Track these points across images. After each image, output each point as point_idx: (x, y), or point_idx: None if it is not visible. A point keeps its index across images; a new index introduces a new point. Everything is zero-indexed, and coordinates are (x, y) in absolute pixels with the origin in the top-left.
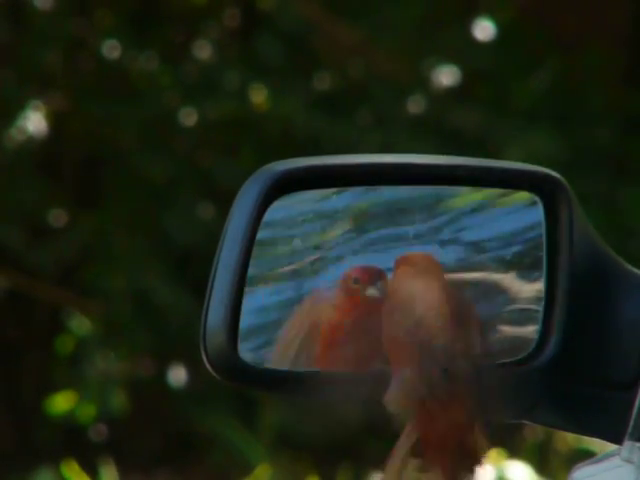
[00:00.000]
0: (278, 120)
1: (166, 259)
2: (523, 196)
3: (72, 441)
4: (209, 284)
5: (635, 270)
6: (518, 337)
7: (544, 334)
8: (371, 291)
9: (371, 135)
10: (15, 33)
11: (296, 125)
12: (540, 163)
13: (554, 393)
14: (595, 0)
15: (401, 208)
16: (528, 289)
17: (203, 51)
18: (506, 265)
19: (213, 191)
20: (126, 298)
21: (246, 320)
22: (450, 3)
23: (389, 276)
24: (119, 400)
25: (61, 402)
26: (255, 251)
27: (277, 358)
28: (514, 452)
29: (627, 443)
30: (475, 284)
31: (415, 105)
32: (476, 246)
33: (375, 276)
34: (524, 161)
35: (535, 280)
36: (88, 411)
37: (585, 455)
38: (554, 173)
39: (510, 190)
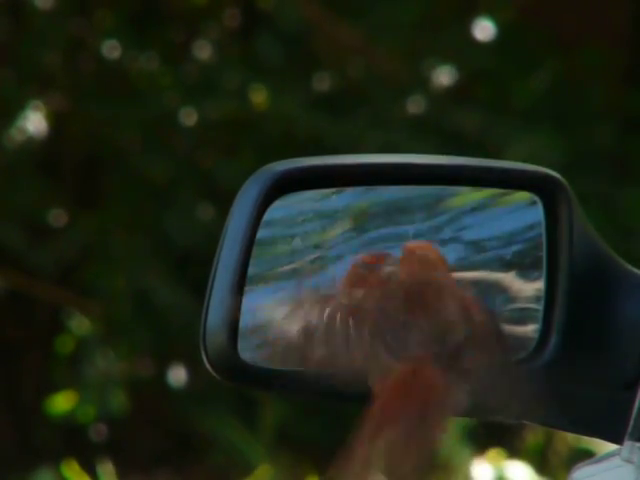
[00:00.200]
0: (278, 120)
1: (166, 259)
2: (523, 196)
3: (72, 441)
4: (209, 284)
5: (635, 270)
6: (518, 337)
7: (544, 334)
8: (388, 269)
9: (371, 135)
10: (15, 33)
11: (296, 125)
12: (540, 163)
13: (554, 393)
14: (595, 0)
15: (401, 208)
16: (528, 289)
17: (203, 51)
18: (506, 265)
19: (213, 191)
20: (126, 298)
21: (246, 320)
22: (450, 3)
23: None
24: (119, 400)
25: (61, 402)
26: (255, 251)
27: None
28: (514, 452)
29: (627, 443)
30: (475, 283)
31: (415, 105)
32: (476, 246)
33: (386, 257)
34: (524, 161)
35: (535, 280)
36: (88, 411)
37: (585, 455)
38: (554, 173)
39: (510, 190)
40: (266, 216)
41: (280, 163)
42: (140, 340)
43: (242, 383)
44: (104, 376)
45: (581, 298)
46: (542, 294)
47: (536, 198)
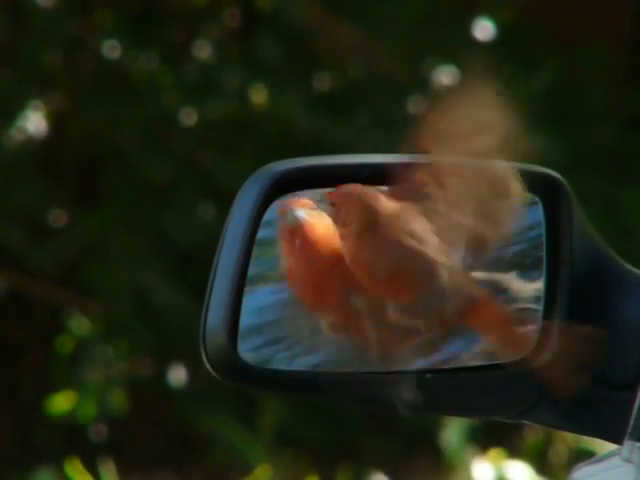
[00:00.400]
0: (278, 120)
1: (166, 259)
2: (523, 196)
3: (72, 441)
4: (209, 284)
5: (635, 270)
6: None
7: (544, 334)
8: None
9: (371, 135)
10: (15, 33)
11: (296, 125)
12: (540, 163)
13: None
14: (595, 0)
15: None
16: (528, 289)
17: (203, 51)
18: (506, 265)
19: (213, 191)
20: (126, 298)
21: (246, 320)
22: (450, 3)
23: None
24: (119, 400)
25: (61, 402)
26: (255, 251)
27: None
28: (514, 452)
29: (627, 443)
30: (475, 283)
31: (415, 105)
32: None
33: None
34: (524, 161)
35: (535, 280)
36: (88, 411)
37: (585, 455)
38: (554, 173)
39: None
40: (266, 216)
41: (280, 163)
42: (140, 340)
43: (242, 383)
44: (104, 376)
45: (581, 298)
46: (542, 294)
47: (536, 198)
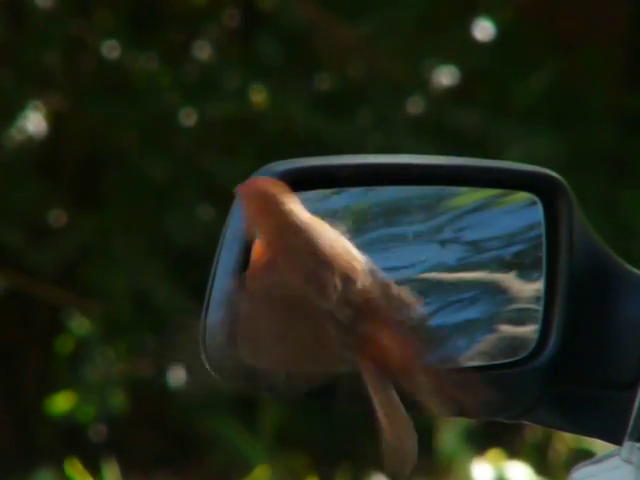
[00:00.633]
0: (278, 120)
1: (166, 259)
2: (523, 196)
3: (72, 441)
4: (209, 284)
5: (635, 270)
6: (518, 337)
7: (544, 334)
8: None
9: (371, 135)
10: (15, 33)
11: (296, 125)
12: (540, 163)
13: (554, 393)
14: (595, 0)
15: (401, 208)
16: (528, 289)
17: (203, 51)
18: (506, 265)
19: (213, 191)
20: (126, 298)
21: None
22: (450, 3)
23: None
24: (119, 400)
25: (61, 402)
26: None
27: None
28: (514, 452)
29: (627, 443)
30: (475, 284)
31: (415, 105)
32: (476, 246)
33: None
34: (524, 161)
35: (535, 280)
36: (88, 411)
37: (585, 455)
38: (553, 173)
39: (510, 190)
40: None
41: (280, 163)
42: (140, 340)
43: (242, 383)
44: (104, 376)
45: (581, 298)
46: (542, 294)
47: (536, 198)
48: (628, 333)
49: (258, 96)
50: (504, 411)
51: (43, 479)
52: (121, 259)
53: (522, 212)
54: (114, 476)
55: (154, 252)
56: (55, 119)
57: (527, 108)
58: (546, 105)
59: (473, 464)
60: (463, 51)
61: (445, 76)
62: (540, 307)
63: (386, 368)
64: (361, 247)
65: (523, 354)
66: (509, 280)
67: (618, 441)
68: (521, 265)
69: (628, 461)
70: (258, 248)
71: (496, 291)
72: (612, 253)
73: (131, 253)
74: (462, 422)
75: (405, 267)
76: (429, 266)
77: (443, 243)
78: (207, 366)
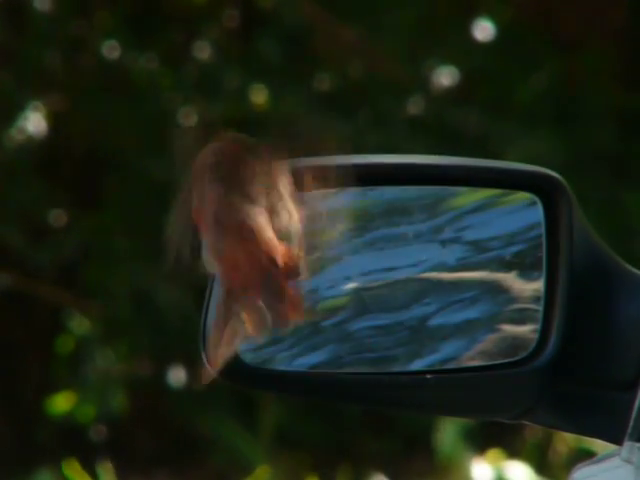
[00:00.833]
0: (278, 120)
1: (166, 259)
2: (523, 196)
3: (72, 441)
4: (209, 284)
5: (635, 270)
6: (518, 337)
7: (544, 334)
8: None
9: (371, 135)
10: (15, 33)
11: (296, 125)
12: (540, 163)
13: (554, 393)
14: (595, 0)
15: (401, 208)
16: (528, 289)
17: (203, 51)
18: (506, 265)
19: None
20: (126, 298)
21: None
22: (450, 3)
23: None
24: (119, 400)
25: (61, 402)
26: None
27: None
28: (514, 452)
29: (627, 443)
30: (475, 284)
31: (415, 105)
32: (476, 246)
33: None
34: (524, 161)
35: (535, 280)
36: (88, 411)
37: (585, 455)
38: (554, 173)
39: (510, 190)
40: None
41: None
42: (140, 340)
43: (242, 383)
44: (104, 376)
45: (581, 298)
46: (542, 294)
47: (536, 198)
48: (628, 333)
49: (258, 96)
50: (504, 411)
51: (43, 479)
52: (121, 259)
53: (522, 212)
54: (110, 477)
55: (154, 252)
56: (55, 119)
57: (527, 108)
58: (546, 105)
59: (473, 464)
60: (463, 51)
61: (445, 76)
62: (540, 307)
63: (232, 279)
64: (361, 247)
65: (523, 354)
66: (509, 280)
67: (618, 441)
68: (521, 265)
69: (628, 461)
70: None
71: (496, 291)
72: (612, 253)
73: (131, 253)
74: (461, 422)
75: (405, 267)
76: (429, 266)
77: (443, 243)
78: (207, 366)
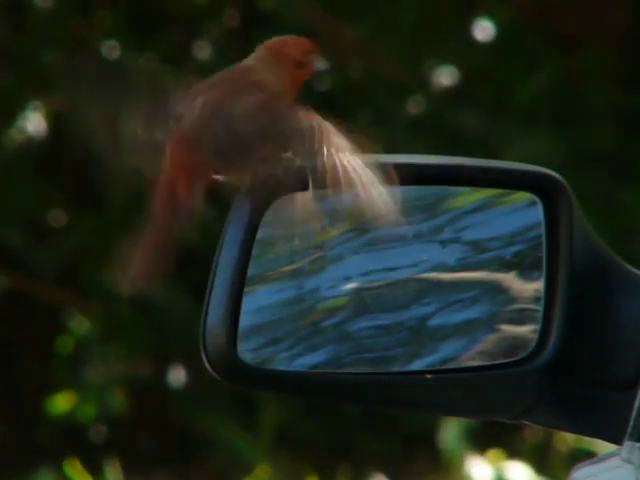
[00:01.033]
0: None
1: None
2: (523, 196)
3: (72, 441)
4: (209, 284)
5: (635, 270)
6: (518, 337)
7: (544, 334)
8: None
9: (371, 135)
10: (15, 33)
11: None
12: (540, 163)
13: (554, 393)
14: (595, 0)
15: (401, 208)
16: (528, 289)
17: (203, 51)
18: (506, 265)
19: (213, 191)
20: (126, 298)
21: (246, 320)
22: (450, 3)
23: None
24: (119, 400)
25: (61, 402)
26: (255, 251)
27: None
28: (514, 452)
29: (627, 443)
30: (475, 284)
31: (415, 105)
32: (476, 246)
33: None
34: (524, 161)
35: (535, 280)
36: (88, 411)
37: (585, 455)
38: (554, 173)
39: (510, 190)
40: (266, 216)
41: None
42: (140, 340)
43: (242, 383)
44: (104, 376)
45: (581, 298)
46: (542, 294)
47: (536, 198)
48: (628, 333)
49: None
50: (504, 411)
51: (43, 479)
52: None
53: (522, 212)
54: (117, 476)
55: None
56: (55, 119)
57: (527, 108)
58: (546, 105)
59: (473, 464)
60: (463, 51)
61: (445, 76)
62: (540, 307)
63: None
64: (361, 247)
65: (523, 354)
66: (509, 280)
67: (618, 441)
68: (521, 265)
69: (628, 461)
70: None
71: (496, 291)
72: (612, 253)
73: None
74: (462, 422)
75: (405, 267)
76: (429, 266)
77: (443, 243)
78: (207, 366)
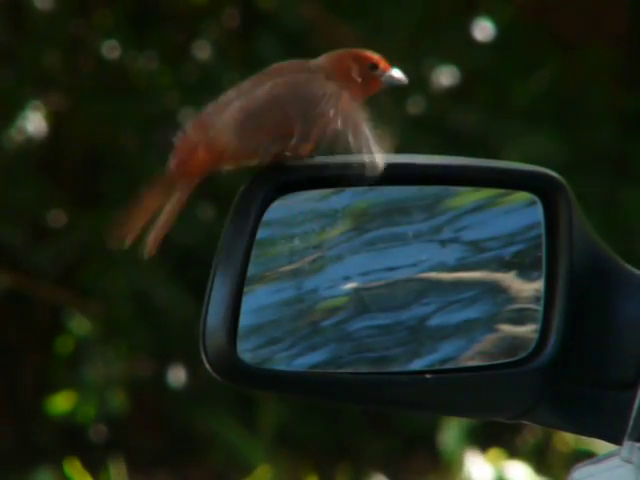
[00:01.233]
0: None
1: (166, 259)
2: (523, 196)
3: (72, 441)
4: (209, 284)
5: (635, 270)
6: (518, 337)
7: (544, 334)
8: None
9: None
10: (15, 33)
11: None
12: (540, 163)
13: (554, 393)
14: (595, 0)
15: (401, 208)
16: (528, 289)
17: (203, 51)
18: (506, 265)
19: (213, 191)
20: (126, 298)
21: (246, 320)
22: (450, 3)
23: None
24: (119, 400)
25: (61, 402)
26: (255, 251)
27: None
28: (514, 452)
29: (627, 443)
30: (475, 283)
31: (415, 105)
32: (476, 246)
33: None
34: (524, 161)
35: (535, 280)
36: (88, 411)
37: (585, 455)
38: (553, 173)
39: (510, 190)
40: (266, 216)
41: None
42: (140, 340)
43: (241, 383)
44: (104, 376)
45: (580, 298)
46: (542, 294)
47: (536, 198)
48: (628, 333)
49: None
50: (504, 411)
51: (43, 479)
52: (121, 259)
53: (522, 212)
54: (121, 476)
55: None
56: (55, 119)
57: (527, 108)
58: (546, 105)
59: (473, 464)
60: (463, 51)
61: (445, 76)
62: (540, 307)
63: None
64: (361, 247)
65: (523, 354)
66: (509, 280)
67: (618, 441)
68: (521, 265)
69: (628, 461)
70: None
71: (496, 291)
72: (612, 253)
73: (131, 253)
74: (462, 422)
75: (405, 267)
76: (429, 266)
77: (443, 243)
78: (207, 366)
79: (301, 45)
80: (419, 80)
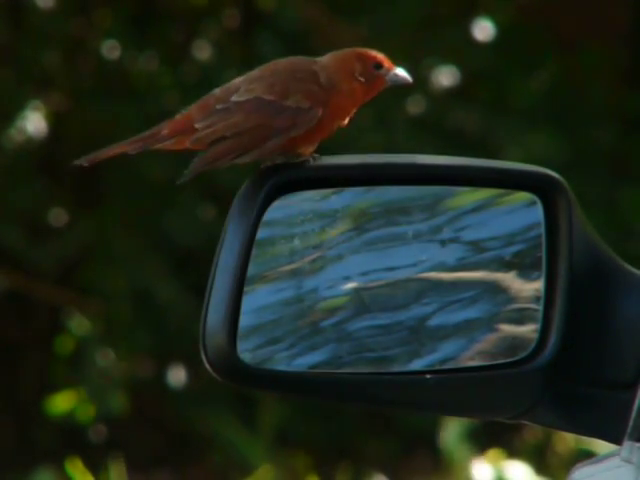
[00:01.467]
0: None
1: (166, 259)
2: (522, 196)
3: (72, 441)
4: (209, 284)
5: (634, 270)
6: (518, 337)
7: (543, 334)
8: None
9: (371, 135)
10: (15, 33)
11: None
12: (540, 163)
13: (554, 393)
14: (595, 0)
15: (401, 208)
16: (528, 289)
17: (203, 51)
18: (506, 265)
19: (213, 191)
20: (126, 298)
21: (246, 320)
22: (450, 3)
23: None
24: (119, 400)
25: (61, 402)
26: (255, 251)
27: None
28: (514, 452)
29: (627, 443)
30: (475, 283)
31: (415, 105)
32: (476, 246)
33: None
34: (524, 161)
35: (535, 280)
36: (88, 411)
37: (585, 455)
38: (553, 173)
39: (510, 190)
40: (266, 216)
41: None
42: (140, 340)
43: (241, 383)
44: (104, 376)
45: (580, 298)
46: (542, 294)
47: (536, 198)
48: (628, 333)
49: None
50: (504, 411)
51: (43, 479)
52: (121, 259)
53: (522, 212)
54: (121, 476)
55: (154, 252)
56: (55, 119)
57: (527, 108)
58: (546, 105)
59: (473, 464)
60: (463, 51)
61: (445, 76)
62: (540, 307)
63: None
64: (361, 247)
65: (523, 354)
66: (509, 280)
67: (618, 441)
68: (521, 265)
69: (628, 461)
70: None
71: (496, 291)
72: (612, 253)
73: (131, 253)
74: (462, 422)
75: (405, 267)
76: (429, 266)
77: (443, 243)
78: (207, 366)
79: (301, 45)
80: (419, 80)
